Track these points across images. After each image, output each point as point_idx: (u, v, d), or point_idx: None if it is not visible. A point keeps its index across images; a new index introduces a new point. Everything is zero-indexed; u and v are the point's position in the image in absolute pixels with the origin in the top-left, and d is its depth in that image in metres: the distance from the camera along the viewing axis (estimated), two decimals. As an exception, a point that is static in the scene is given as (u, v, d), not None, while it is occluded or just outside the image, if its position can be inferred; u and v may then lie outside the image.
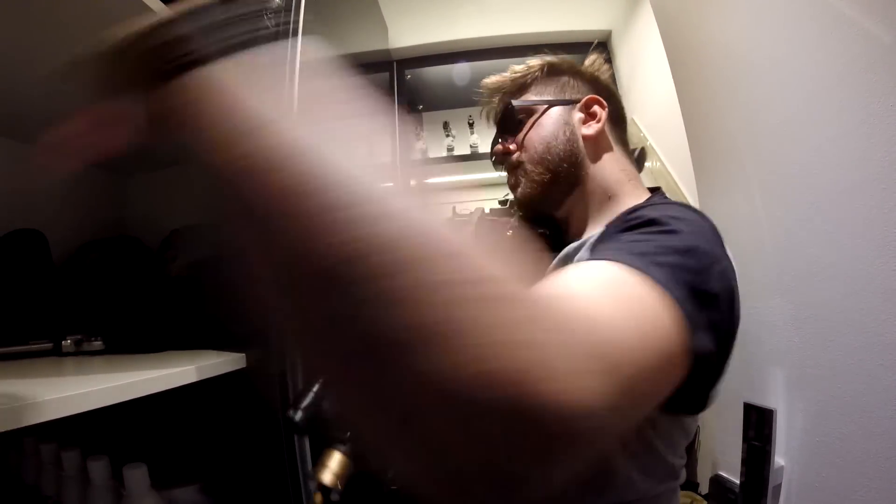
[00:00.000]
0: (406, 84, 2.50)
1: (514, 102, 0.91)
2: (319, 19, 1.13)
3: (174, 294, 1.07)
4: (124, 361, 0.92)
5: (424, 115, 2.83)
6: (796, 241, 0.85)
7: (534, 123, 0.89)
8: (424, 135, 2.61)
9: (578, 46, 2.47)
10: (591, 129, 0.86)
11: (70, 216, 1.32)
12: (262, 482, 1.01)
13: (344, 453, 0.70)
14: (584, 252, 0.71)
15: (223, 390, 0.92)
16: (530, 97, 0.92)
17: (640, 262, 0.47)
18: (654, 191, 0.84)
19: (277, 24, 1.00)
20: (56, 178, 1.31)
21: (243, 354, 0.95)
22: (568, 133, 0.87)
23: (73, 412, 0.57)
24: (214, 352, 1.00)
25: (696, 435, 1.64)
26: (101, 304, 1.07)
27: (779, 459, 0.89)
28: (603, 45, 2.48)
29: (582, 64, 0.96)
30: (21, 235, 1.09)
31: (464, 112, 2.64)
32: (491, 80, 0.97)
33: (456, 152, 2.58)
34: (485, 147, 2.54)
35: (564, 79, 0.93)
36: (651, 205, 0.69)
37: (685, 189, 1.74)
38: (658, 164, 1.99)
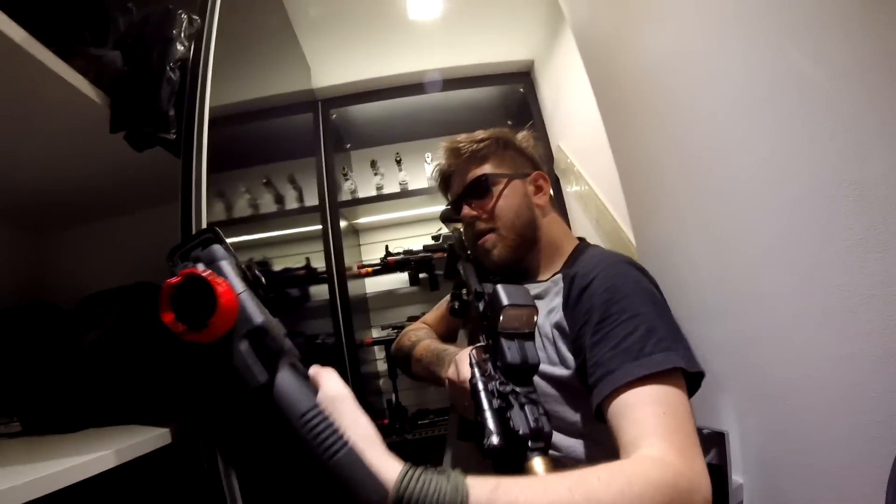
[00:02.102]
0: (331, 123, 2.47)
1: (488, 173, 1.10)
2: (235, 63, 1.09)
3: (90, 366, 1.00)
4: (43, 445, 0.86)
5: (353, 153, 2.80)
6: (732, 261, 0.85)
7: (500, 194, 1.10)
8: (353, 175, 2.58)
9: (501, 77, 2.51)
10: (541, 199, 1.12)
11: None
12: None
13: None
14: (555, 298, 0.95)
15: (153, 464, 0.86)
16: (491, 169, 1.12)
17: (641, 366, 0.73)
18: (580, 239, 1.13)
19: (184, 74, 0.95)
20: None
21: (168, 430, 0.88)
22: (527, 203, 1.11)
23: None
24: (138, 427, 0.93)
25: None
26: (17, 382, 1.00)
27: (737, 478, 0.89)
28: (526, 75, 2.53)
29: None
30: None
31: (391, 149, 2.64)
32: (450, 142, 1.17)
33: (385, 190, 2.55)
34: (414, 184, 2.53)
35: (512, 153, 1.16)
36: (587, 264, 0.93)
37: (615, 212, 1.77)
38: (586, 187, 2.03)
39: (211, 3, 1.04)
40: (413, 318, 2.41)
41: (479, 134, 1.16)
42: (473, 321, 1.00)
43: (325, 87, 2.41)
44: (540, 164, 1.19)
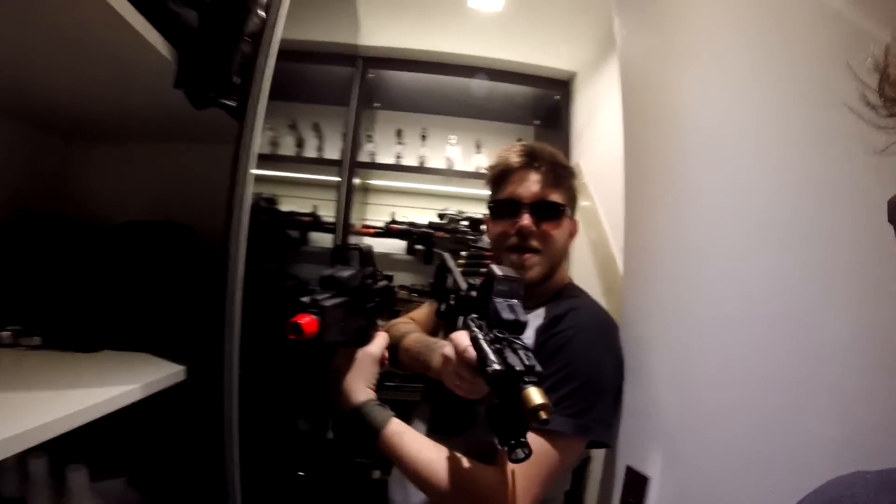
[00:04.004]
0: (366, 81, 2.51)
1: (565, 203, 1.16)
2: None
3: (113, 294, 1.05)
4: (63, 363, 0.91)
5: (379, 113, 2.84)
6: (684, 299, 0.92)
7: (561, 227, 1.16)
8: (376, 137, 2.63)
9: (542, 80, 2.52)
10: (572, 243, 1.23)
11: (7, 178, 1.25)
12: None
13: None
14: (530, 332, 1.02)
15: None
16: (562, 199, 1.16)
17: (555, 424, 0.91)
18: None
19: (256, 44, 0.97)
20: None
21: (183, 367, 0.94)
22: (567, 245, 1.20)
23: (24, 448, 0.58)
24: (151, 357, 0.99)
25: (586, 464, 1.73)
26: (41, 293, 1.04)
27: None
28: (565, 85, 2.55)
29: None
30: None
31: (415, 118, 2.71)
32: (541, 146, 1.20)
33: (404, 161, 2.62)
34: (432, 161, 2.61)
35: (574, 189, 1.21)
36: (569, 315, 1.07)
37: (614, 245, 1.79)
38: (593, 206, 2.04)
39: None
40: (403, 287, 2.51)
41: (561, 156, 1.22)
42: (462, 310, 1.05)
43: (370, 45, 2.44)
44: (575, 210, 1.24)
